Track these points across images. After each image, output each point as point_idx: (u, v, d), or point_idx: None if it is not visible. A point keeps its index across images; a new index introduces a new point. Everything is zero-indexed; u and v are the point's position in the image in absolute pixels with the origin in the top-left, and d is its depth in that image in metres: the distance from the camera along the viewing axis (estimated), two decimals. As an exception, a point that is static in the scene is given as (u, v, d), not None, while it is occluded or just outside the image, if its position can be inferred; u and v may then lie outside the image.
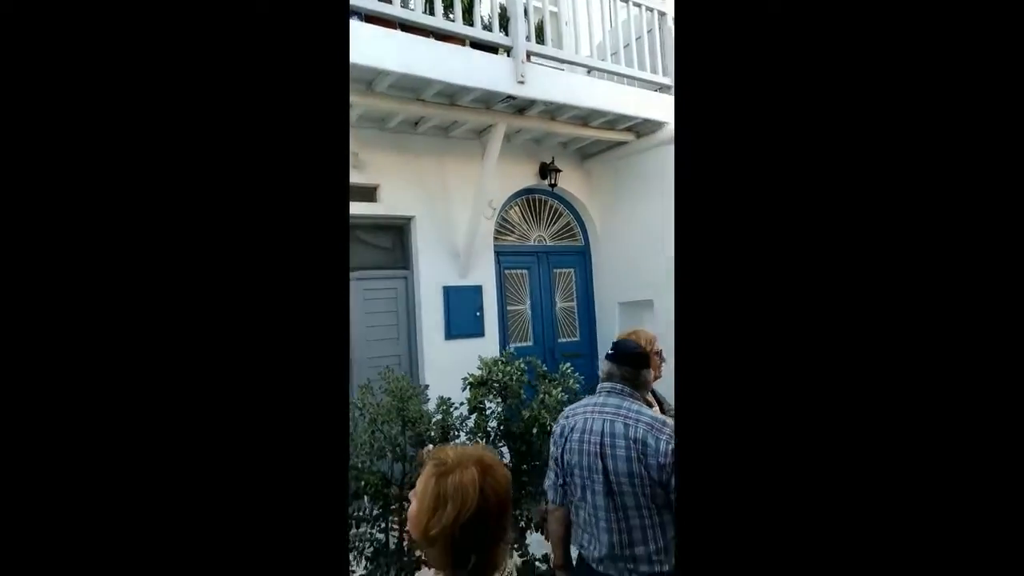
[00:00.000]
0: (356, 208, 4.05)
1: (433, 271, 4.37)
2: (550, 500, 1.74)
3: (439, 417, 2.21)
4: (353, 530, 2.12)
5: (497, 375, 2.40)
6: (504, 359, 2.54)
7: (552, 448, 1.74)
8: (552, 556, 1.83)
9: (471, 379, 2.47)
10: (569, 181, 4.97)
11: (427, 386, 2.37)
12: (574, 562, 1.73)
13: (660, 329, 4.59)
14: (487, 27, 3.62)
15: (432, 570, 1.02)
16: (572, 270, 5.20)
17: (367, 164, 4.08)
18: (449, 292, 4.42)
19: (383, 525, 2.18)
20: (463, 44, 3.57)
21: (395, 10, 3.24)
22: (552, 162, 4.77)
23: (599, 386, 1.74)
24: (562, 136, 4.58)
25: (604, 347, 5.10)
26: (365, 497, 2.13)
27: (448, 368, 4.04)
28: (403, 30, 3.35)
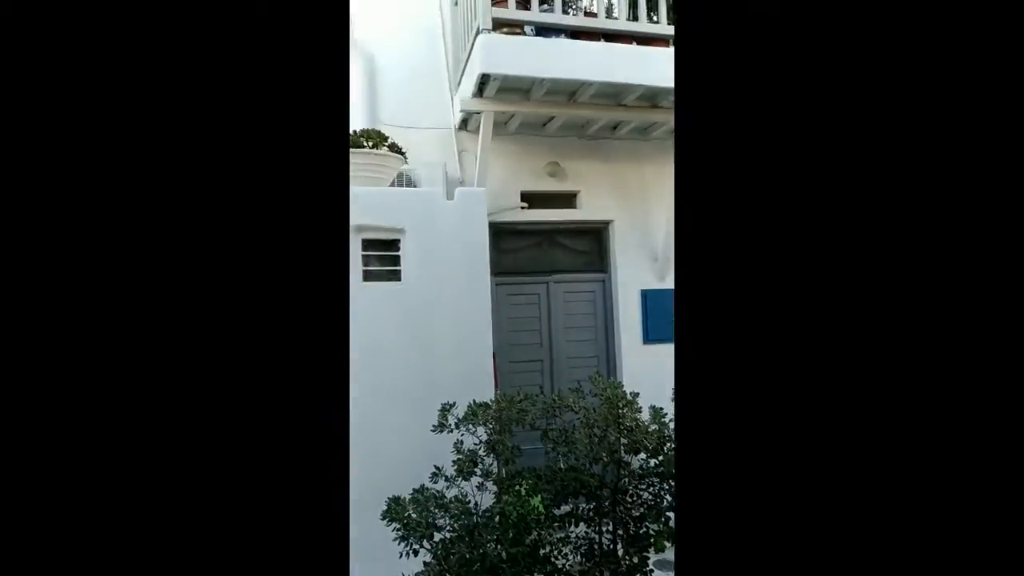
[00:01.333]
0: (556, 215, 4.23)
1: (631, 274, 4.36)
2: None
3: (655, 427, 2.22)
4: (572, 528, 2.23)
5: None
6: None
7: None
8: None
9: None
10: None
11: (637, 394, 2.39)
12: None
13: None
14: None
15: None
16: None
17: (567, 172, 4.23)
18: (647, 295, 4.38)
19: (597, 527, 2.26)
20: (667, 44, 3.51)
21: (599, 22, 3.30)
22: (760, 156, 4.43)
23: None
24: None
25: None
26: (581, 496, 2.23)
27: (645, 372, 4.01)
28: (606, 40, 3.40)
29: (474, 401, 2.23)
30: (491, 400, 2.27)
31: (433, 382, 3.03)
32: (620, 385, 2.30)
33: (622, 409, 2.15)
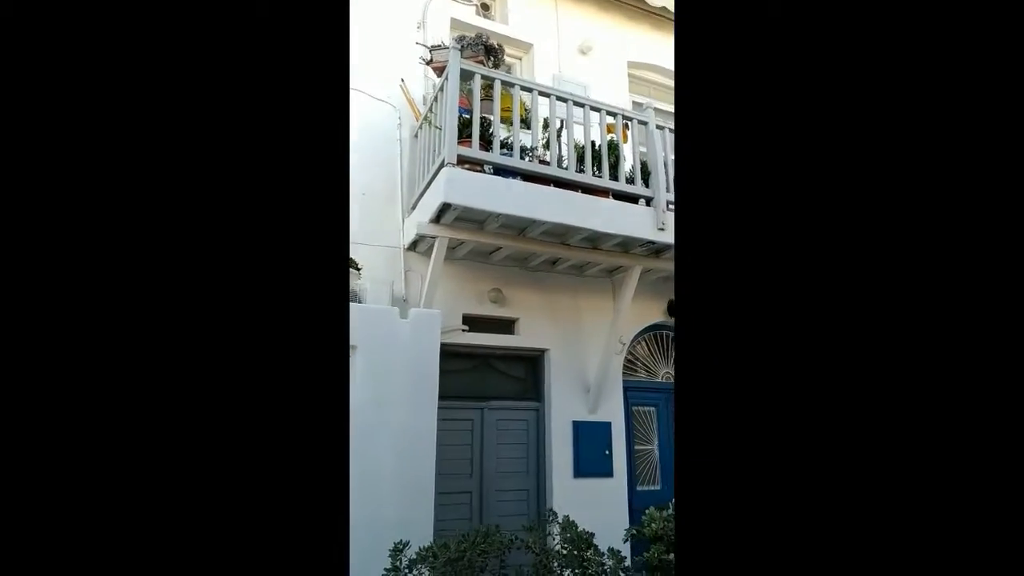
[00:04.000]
0: (495, 340, 4.27)
1: (564, 404, 4.39)
2: None
3: (611, 563, 2.12)
4: None
5: (662, 526, 2.30)
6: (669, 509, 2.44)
7: None
8: None
9: (637, 531, 2.38)
10: (697, 318, 4.97)
11: (593, 534, 2.31)
12: None
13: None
14: (630, 180, 3.95)
15: None
16: (701, 409, 5.02)
17: (508, 299, 4.36)
18: (579, 427, 4.38)
19: None
20: (607, 196, 3.89)
21: (551, 170, 3.64)
22: (681, 300, 4.83)
23: None
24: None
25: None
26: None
27: (576, 507, 3.90)
28: (556, 186, 3.73)
29: (433, 543, 2.05)
30: (447, 541, 2.09)
31: (376, 516, 2.75)
32: (581, 530, 2.22)
33: (585, 552, 2.05)
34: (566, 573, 2.10)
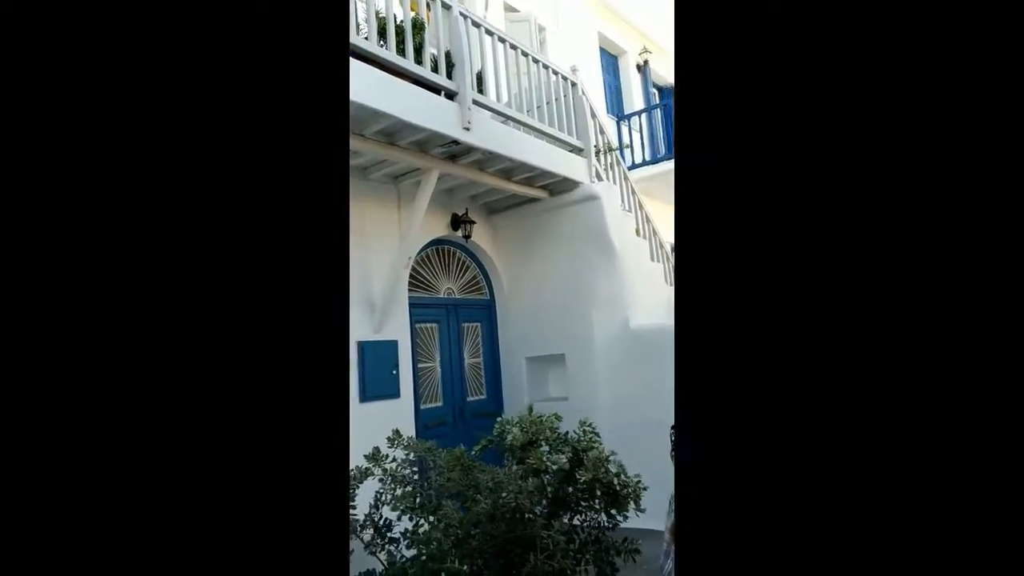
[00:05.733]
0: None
1: (352, 324, 3.87)
2: None
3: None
4: None
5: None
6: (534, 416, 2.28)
7: None
8: None
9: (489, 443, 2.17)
10: (477, 234, 4.91)
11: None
12: None
13: (572, 384, 4.66)
14: (435, 68, 3.51)
15: None
16: (479, 324, 5.06)
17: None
18: (365, 348, 3.95)
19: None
20: (407, 81, 3.40)
21: (353, 39, 2.97)
22: (466, 213, 4.68)
23: None
24: (475, 188, 4.55)
25: (511, 404, 4.98)
26: None
27: (362, 433, 3.53)
28: (354, 58, 3.07)
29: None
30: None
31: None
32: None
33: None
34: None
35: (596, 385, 4.53)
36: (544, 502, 1.74)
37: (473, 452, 2.20)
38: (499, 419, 2.27)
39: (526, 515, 1.68)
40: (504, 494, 1.66)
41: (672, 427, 2.17)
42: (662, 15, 7.58)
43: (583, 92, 4.74)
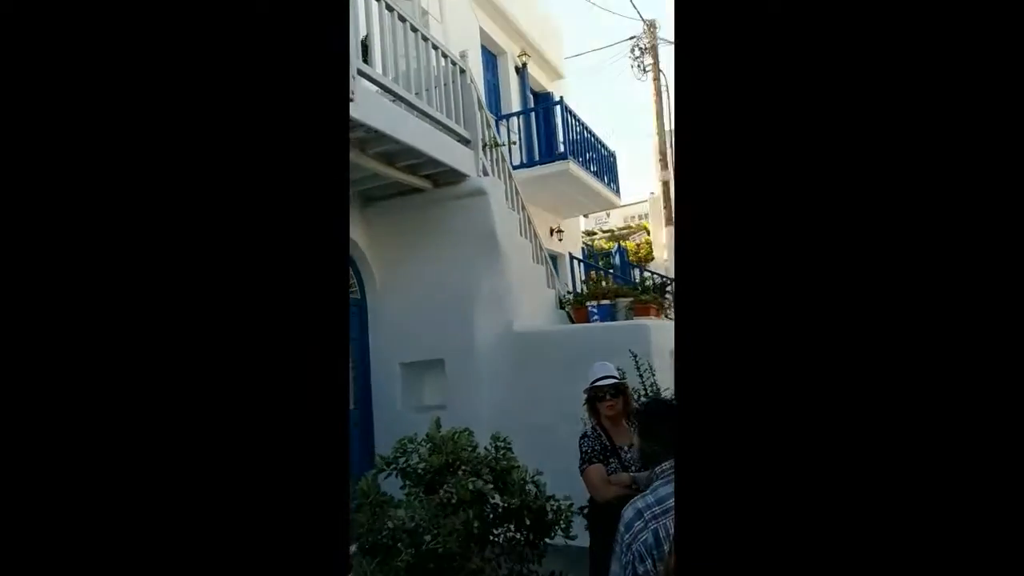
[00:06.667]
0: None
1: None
2: None
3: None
4: None
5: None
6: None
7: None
8: None
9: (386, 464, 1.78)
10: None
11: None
12: None
13: (452, 391, 4.34)
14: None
15: None
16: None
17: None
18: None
19: None
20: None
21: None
22: (339, 200, 4.16)
23: (658, 469, 1.43)
24: (352, 173, 4.05)
25: (381, 413, 4.52)
26: None
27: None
28: None
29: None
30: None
31: None
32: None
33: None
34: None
35: (478, 392, 4.25)
36: (472, 544, 1.42)
37: (359, 482, 1.79)
38: (401, 439, 1.88)
39: (454, 562, 1.34)
40: (428, 537, 1.31)
41: (581, 436, 1.94)
42: (542, 16, 7.62)
43: (472, 80, 4.47)
